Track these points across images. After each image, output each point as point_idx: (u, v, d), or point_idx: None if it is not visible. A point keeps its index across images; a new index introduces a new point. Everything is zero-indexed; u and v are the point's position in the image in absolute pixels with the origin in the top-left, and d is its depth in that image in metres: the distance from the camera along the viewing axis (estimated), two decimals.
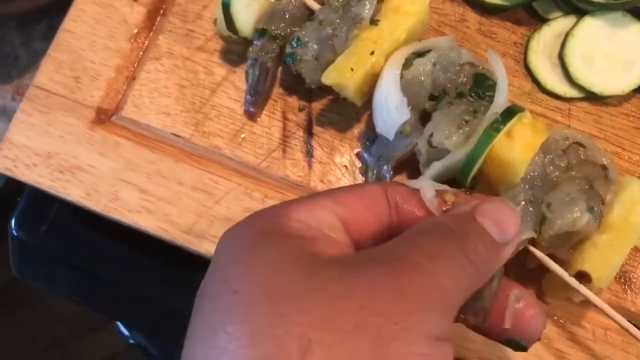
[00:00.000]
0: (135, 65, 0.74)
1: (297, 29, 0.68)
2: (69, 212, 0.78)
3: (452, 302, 0.41)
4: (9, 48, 0.91)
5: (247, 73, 0.72)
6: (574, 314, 0.67)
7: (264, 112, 0.72)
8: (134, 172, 0.69)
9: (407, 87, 0.63)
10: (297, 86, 0.73)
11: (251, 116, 0.72)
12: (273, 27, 0.68)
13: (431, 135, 0.60)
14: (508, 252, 0.47)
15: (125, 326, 1.12)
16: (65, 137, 0.70)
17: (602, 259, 0.58)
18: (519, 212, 0.57)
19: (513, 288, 0.48)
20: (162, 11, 0.76)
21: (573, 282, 0.58)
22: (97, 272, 0.83)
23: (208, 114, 0.72)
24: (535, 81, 0.74)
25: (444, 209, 0.49)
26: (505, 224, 0.46)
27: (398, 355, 0.36)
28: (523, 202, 0.57)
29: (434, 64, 0.63)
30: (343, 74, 0.63)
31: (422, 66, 0.64)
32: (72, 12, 0.74)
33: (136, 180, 0.69)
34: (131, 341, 1.15)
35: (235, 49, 0.74)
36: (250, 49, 0.69)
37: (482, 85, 0.62)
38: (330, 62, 0.65)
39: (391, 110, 0.62)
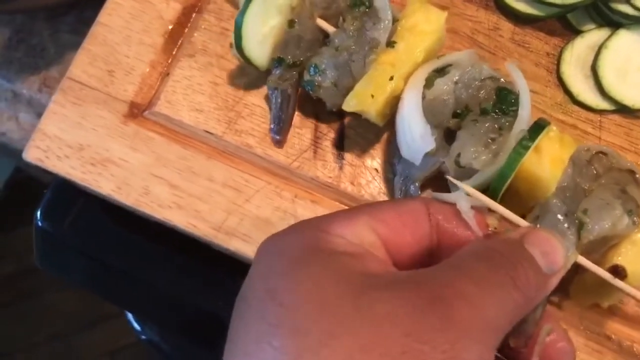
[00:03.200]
0: (169, 61, 0.74)
1: (313, 54, 0.67)
2: (96, 204, 0.78)
3: (497, 332, 0.41)
4: (37, 39, 0.91)
5: (267, 98, 0.72)
6: (600, 325, 0.67)
7: (296, 113, 0.73)
8: (165, 167, 0.69)
9: (430, 107, 0.62)
10: None
11: (278, 143, 0.71)
12: (289, 56, 0.68)
13: (458, 155, 0.60)
14: (554, 283, 0.47)
15: (138, 319, 1.12)
16: (97, 130, 0.70)
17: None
18: (562, 239, 0.57)
19: (548, 321, 0.49)
20: (197, 9, 0.76)
21: (607, 275, 0.58)
22: (119, 266, 0.83)
23: (240, 113, 0.72)
24: (567, 92, 0.74)
25: (487, 233, 0.50)
26: (553, 255, 0.47)
27: None
28: (561, 219, 0.57)
29: (456, 82, 0.63)
30: (364, 101, 0.62)
31: (444, 85, 0.63)
32: (108, 6, 0.74)
33: (167, 175, 0.69)
34: (142, 337, 1.15)
35: None
36: (269, 78, 0.69)
37: (505, 100, 0.61)
38: (349, 88, 0.64)
39: (416, 138, 0.61)
